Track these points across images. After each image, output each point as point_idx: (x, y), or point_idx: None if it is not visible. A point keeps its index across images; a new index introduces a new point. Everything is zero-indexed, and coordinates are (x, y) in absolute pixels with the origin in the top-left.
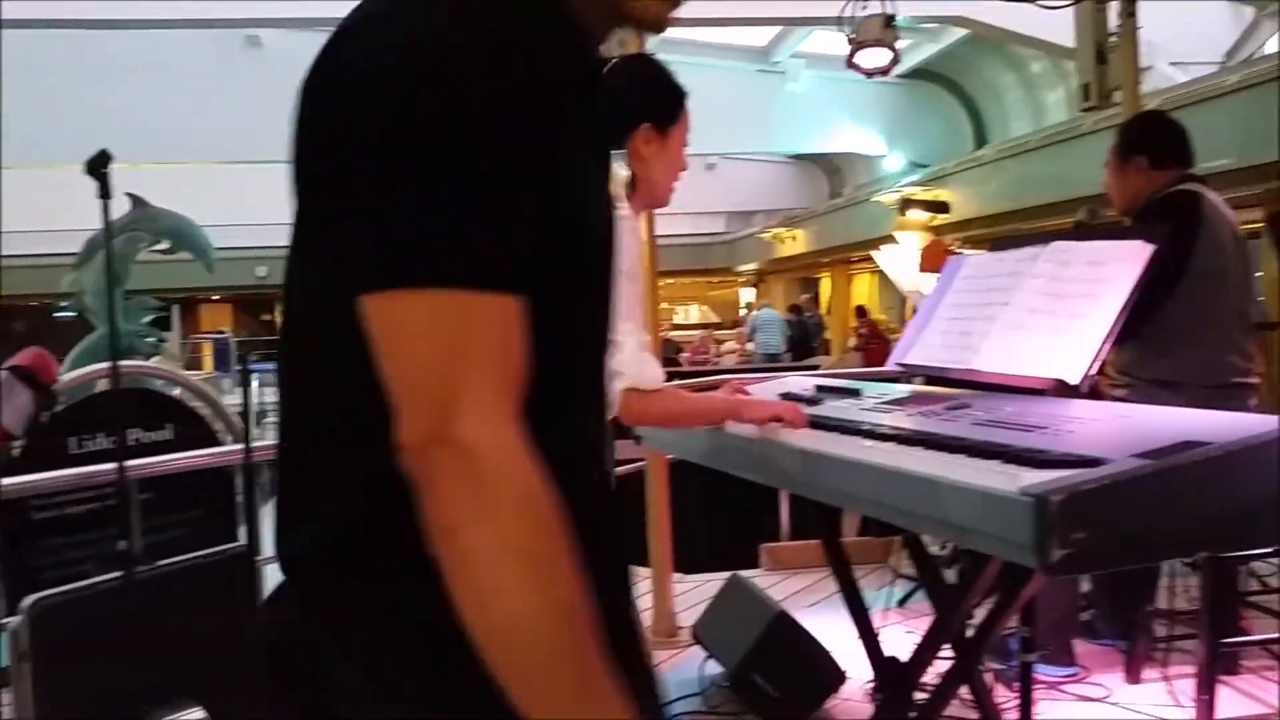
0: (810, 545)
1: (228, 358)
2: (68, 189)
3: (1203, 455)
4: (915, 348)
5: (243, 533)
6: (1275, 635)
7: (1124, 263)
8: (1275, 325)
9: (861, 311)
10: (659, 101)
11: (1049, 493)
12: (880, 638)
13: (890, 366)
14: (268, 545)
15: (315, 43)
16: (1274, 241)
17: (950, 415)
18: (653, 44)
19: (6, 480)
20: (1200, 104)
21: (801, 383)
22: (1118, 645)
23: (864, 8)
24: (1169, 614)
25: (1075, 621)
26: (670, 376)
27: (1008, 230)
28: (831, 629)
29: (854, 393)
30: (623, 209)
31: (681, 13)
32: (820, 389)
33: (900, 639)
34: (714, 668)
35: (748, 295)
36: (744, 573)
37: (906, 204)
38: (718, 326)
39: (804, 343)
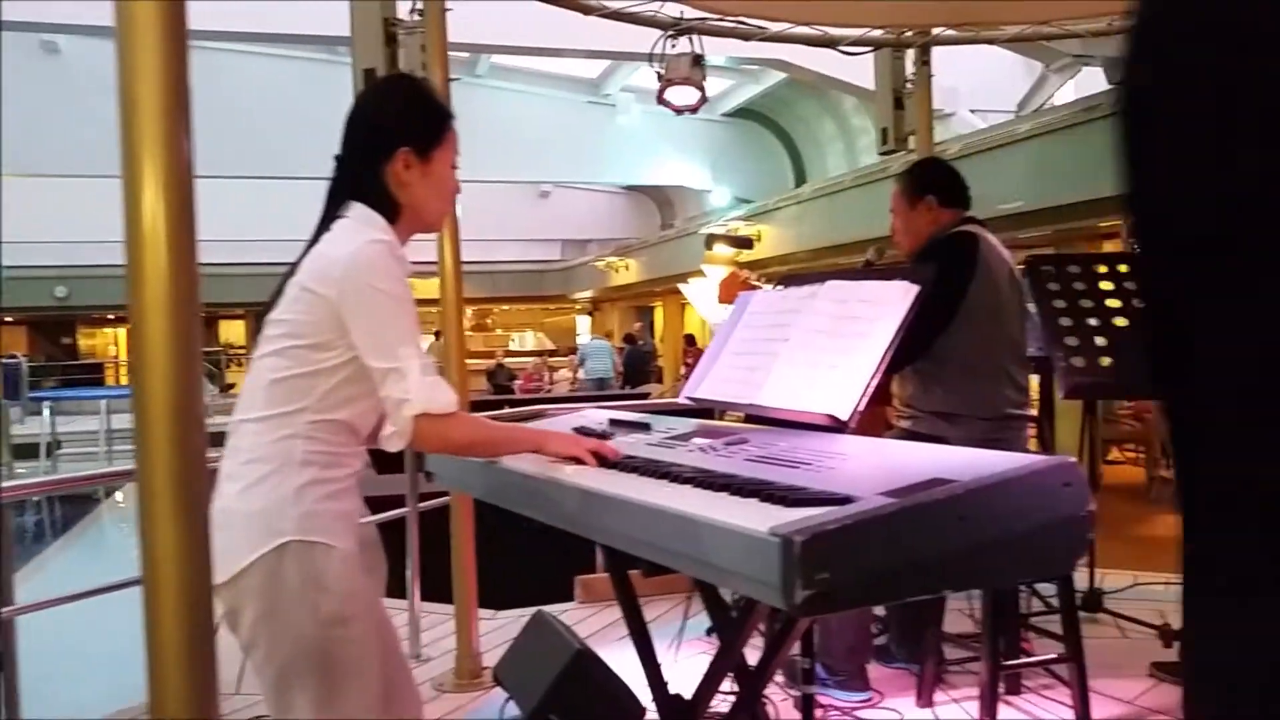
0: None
1: (19, 384)
2: None
3: (945, 493)
4: (706, 381)
5: None
6: (1054, 656)
7: (891, 303)
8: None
9: (690, 340)
10: (417, 124)
11: (794, 533)
12: (686, 667)
13: (681, 400)
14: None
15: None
16: (1031, 284)
17: (727, 451)
18: (484, 69)
19: None
20: (997, 149)
21: (596, 415)
22: (911, 668)
23: (674, 45)
24: (959, 637)
25: (869, 646)
26: (504, 404)
27: (826, 265)
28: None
29: (644, 426)
30: (384, 235)
31: (502, 39)
32: (613, 422)
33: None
34: (514, 710)
35: (585, 323)
36: (558, 606)
37: (712, 239)
38: (553, 354)
39: (637, 370)
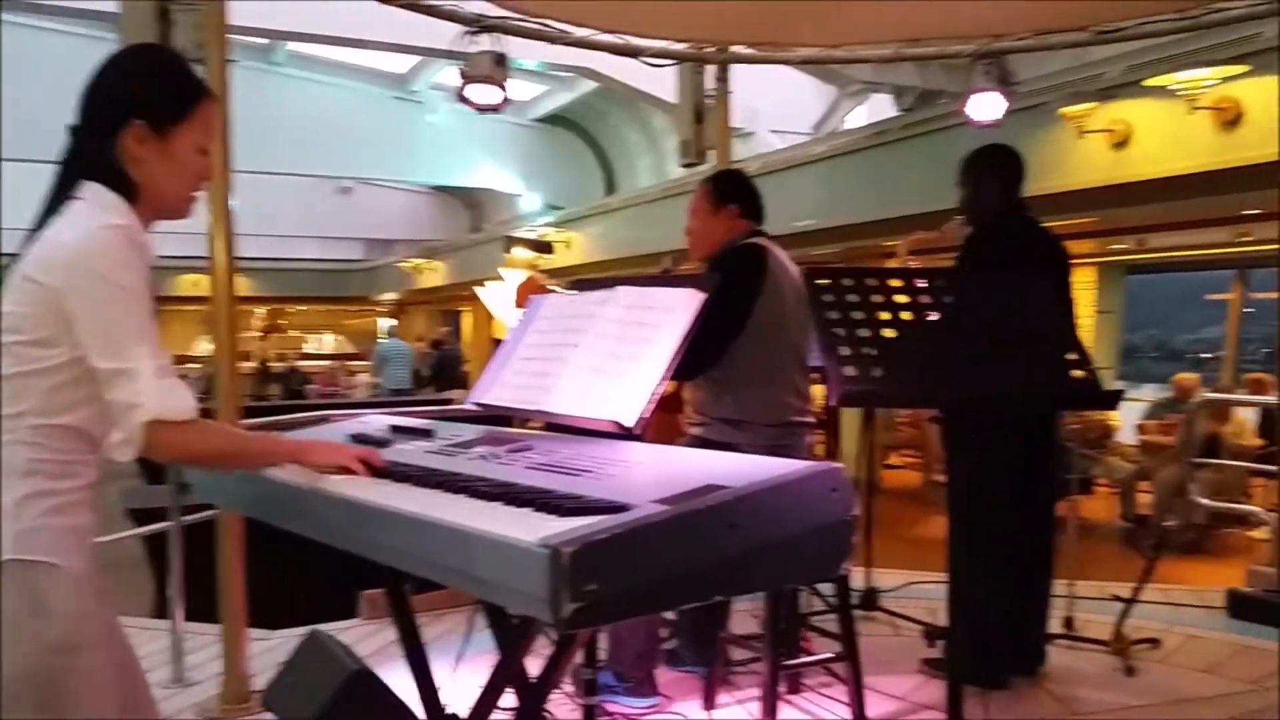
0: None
1: None
2: None
3: (717, 500)
4: (495, 386)
5: None
6: (832, 655)
7: (678, 309)
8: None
9: (500, 345)
10: (157, 95)
11: (563, 544)
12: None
13: (468, 405)
14: None
15: None
16: (809, 295)
17: (509, 458)
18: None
19: None
20: (794, 169)
21: (377, 421)
22: (699, 671)
23: (475, 43)
24: (744, 638)
25: (658, 651)
26: (297, 409)
27: (632, 274)
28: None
29: (427, 433)
30: (121, 219)
31: (298, 26)
32: (394, 429)
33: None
34: None
35: (388, 326)
36: (340, 624)
37: (511, 242)
38: (352, 357)
39: (443, 375)
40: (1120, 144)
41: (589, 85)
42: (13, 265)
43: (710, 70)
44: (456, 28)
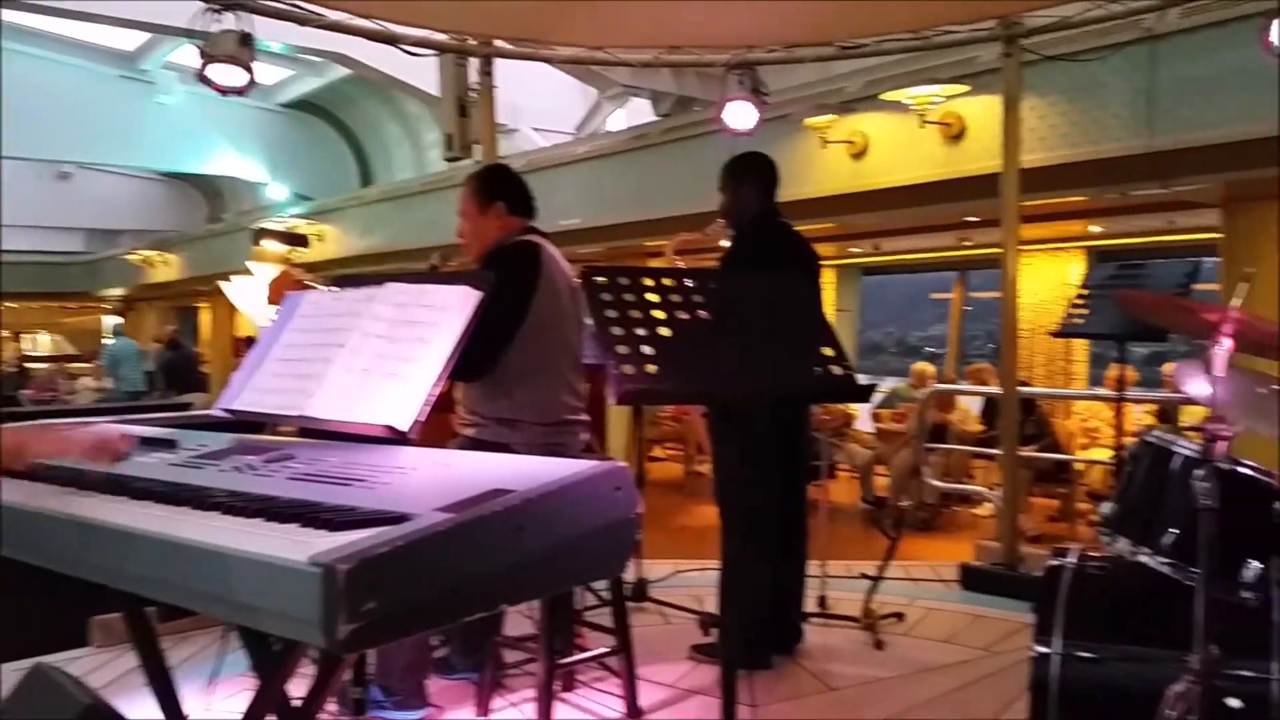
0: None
1: None
2: None
3: (503, 505)
4: (247, 391)
5: None
6: (606, 650)
7: (453, 308)
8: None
9: (251, 343)
10: None
11: (337, 561)
12: (225, 709)
13: (216, 411)
14: None
15: None
16: (586, 294)
17: (268, 469)
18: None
19: None
20: (557, 168)
21: (111, 432)
22: (471, 678)
23: (218, 21)
24: (518, 640)
25: (428, 660)
26: (8, 417)
27: (393, 269)
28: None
29: (169, 444)
30: None
31: None
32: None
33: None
34: None
35: (114, 324)
36: (68, 654)
37: (261, 233)
38: (73, 359)
39: (179, 378)
40: (859, 154)
41: (341, 72)
42: None
43: (474, 63)
44: (195, 5)
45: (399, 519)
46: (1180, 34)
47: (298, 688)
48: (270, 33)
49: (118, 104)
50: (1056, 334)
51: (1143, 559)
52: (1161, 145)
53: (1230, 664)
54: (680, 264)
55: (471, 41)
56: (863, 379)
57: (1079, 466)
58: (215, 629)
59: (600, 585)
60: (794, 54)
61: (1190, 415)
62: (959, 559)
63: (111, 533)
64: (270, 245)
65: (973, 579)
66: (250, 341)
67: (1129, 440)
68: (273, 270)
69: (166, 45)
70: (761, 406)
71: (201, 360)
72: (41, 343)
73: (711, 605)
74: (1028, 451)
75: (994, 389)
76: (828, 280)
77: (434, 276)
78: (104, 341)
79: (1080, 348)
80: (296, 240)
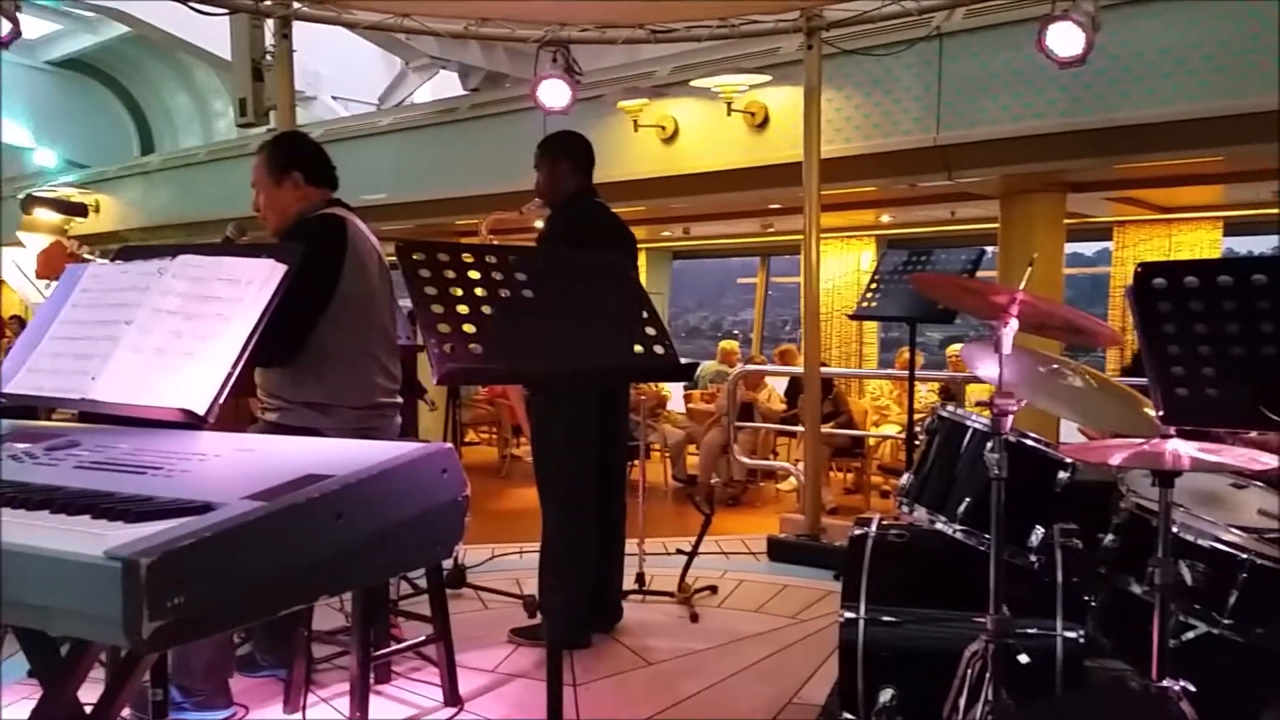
0: None
1: None
2: None
3: (320, 491)
4: (22, 373)
5: None
6: (424, 638)
7: (256, 283)
8: (421, 348)
9: (20, 323)
10: None
11: (138, 554)
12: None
13: None
14: None
15: None
16: (404, 270)
17: (50, 458)
18: None
19: None
20: (360, 139)
21: None
22: (279, 674)
23: None
24: (328, 634)
25: (231, 658)
26: None
27: (182, 243)
28: None
29: None
30: None
31: None
32: None
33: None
34: None
35: None
36: None
37: (32, 201)
38: None
39: None
40: (669, 139)
41: (119, 29)
42: None
43: (269, 26)
44: None
45: (203, 508)
46: (965, 33)
47: (88, 693)
48: None
49: None
50: (853, 316)
51: (939, 527)
52: (947, 139)
53: (1019, 623)
54: (495, 243)
55: (268, 2)
56: (682, 361)
57: (872, 442)
58: None
59: (416, 573)
60: (606, 35)
61: (975, 393)
62: (766, 532)
63: None
64: (44, 215)
65: (779, 550)
66: (20, 320)
67: (919, 417)
68: (44, 241)
69: None
70: (580, 385)
71: None
72: None
73: (531, 588)
74: (827, 429)
75: (798, 369)
76: (639, 263)
77: (231, 249)
78: None
79: (871, 330)
80: (74, 209)
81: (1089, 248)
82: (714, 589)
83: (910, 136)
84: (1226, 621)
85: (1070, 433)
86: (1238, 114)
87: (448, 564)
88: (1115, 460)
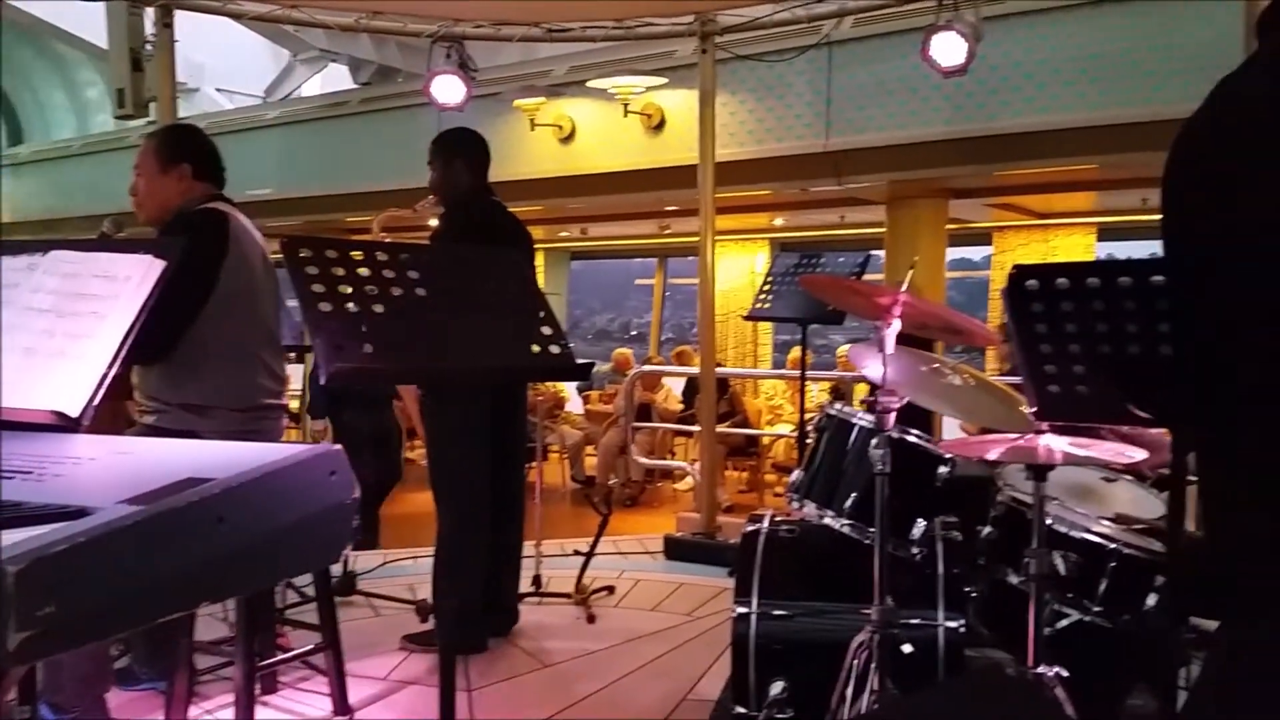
0: None
1: None
2: None
3: (200, 494)
4: None
5: None
6: (312, 647)
7: (132, 279)
8: (308, 348)
9: None
10: None
11: (5, 561)
12: None
13: None
14: None
15: None
16: (289, 267)
17: None
18: None
19: None
20: (244, 132)
21: None
22: (158, 688)
23: None
24: (211, 644)
25: (107, 671)
26: None
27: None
28: None
29: None
30: None
31: None
32: None
33: None
34: None
35: None
36: None
37: None
38: None
39: None
40: (566, 139)
41: None
42: None
43: (149, 14)
44: None
45: (77, 513)
46: (854, 42)
47: None
48: None
49: None
50: (748, 317)
51: (828, 521)
52: (836, 145)
53: (903, 614)
54: (387, 240)
55: None
56: (583, 363)
57: (766, 441)
58: None
59: (303, 580)
60: (501, 32)
61: (861, 391)
62: (663, 531)
63: None
64: None
65: (675, 549)
66: None
67: (810, 416)
68: None
69: None
70: (480, 386)
71: None
72: None
73: (425, 594)
74: (723, 428)
75: (694, 369)
76: (537, 263)
77: (107, 245)
78: None
79: (766, 331)
80: None
81: (977, 252)
82: (611, 589)
83: (802, 142)
84: (1097, 609)
85: (952, 429)
86: (1111, 124)
87: (337, 570)
88: (992, 455)
